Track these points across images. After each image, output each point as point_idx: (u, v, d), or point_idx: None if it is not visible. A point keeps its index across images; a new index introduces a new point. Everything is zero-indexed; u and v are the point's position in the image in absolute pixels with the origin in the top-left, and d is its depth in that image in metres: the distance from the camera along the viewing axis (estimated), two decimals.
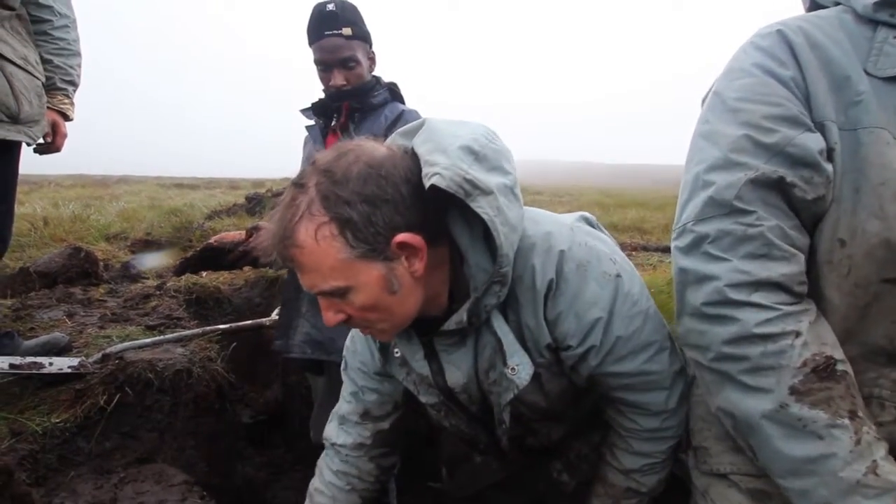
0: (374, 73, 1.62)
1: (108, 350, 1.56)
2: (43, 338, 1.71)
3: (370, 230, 0.69)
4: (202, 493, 1.24)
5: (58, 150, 1.69)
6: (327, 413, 1.63)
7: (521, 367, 0.81)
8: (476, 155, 0.75)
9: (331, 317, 0.76)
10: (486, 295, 0.77)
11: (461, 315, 0.78)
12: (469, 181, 0.71)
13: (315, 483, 1.09)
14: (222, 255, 1.49)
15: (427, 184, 0.70)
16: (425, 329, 0.86)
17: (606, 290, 0.79)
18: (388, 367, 0.98)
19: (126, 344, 1.62)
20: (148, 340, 1.67)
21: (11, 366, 1.46)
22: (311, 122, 1.66)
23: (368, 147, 0.74)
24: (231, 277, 2.97)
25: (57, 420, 1.37)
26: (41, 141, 1.60)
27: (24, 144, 1.54)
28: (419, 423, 2.33)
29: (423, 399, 0.96)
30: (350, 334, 1.06)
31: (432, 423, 1.07)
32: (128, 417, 1.47)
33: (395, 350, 0.93)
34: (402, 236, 0.70)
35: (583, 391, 0.95)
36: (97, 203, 5.54)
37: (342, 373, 1.08)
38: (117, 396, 1.44)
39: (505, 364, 0.81)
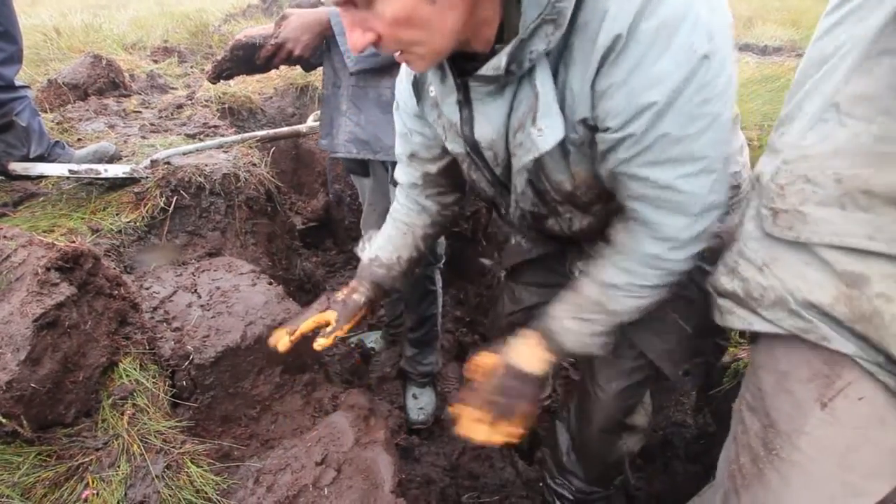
0: None
1: (155, 156, 1.58)
2: (92, 147, 1.74)
3: None
4: (269, 280, 1.37)
5: None
6: (375, 212, 1.68)
7: (548, 130, 0.69)
8: None
9: (357, 38, 0.63)
10: (534, 38, 0.62)
11: (500, 59, 0.65)
12: None
13: (391, 208, 1.12)
14: (254, 51, 1.32)
15: None
16: (465, 70, 0.73)
17: (680, 70, 0.60)
18: (420, 105, 0.88)
19: (171, 150, 1.63)
20: (190, 147, 1.68)
21: (71, 171, 1.53)
22: None
23: None
24: (260, 86, 2.85)
25: (127, 220, 1.47)
26: None
27: None
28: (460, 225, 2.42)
29: (448, 146, 0.88)
30: (399, 75, 0.95)
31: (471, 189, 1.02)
32: (190, 218, 1.56)
33: (430, 89, 0.82)
34: None
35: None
36: (105, 12, 5.13)
37: (394, 112, 1.00)
38: (174, 199, 1.52)
39: (534, 123, 0.69)
